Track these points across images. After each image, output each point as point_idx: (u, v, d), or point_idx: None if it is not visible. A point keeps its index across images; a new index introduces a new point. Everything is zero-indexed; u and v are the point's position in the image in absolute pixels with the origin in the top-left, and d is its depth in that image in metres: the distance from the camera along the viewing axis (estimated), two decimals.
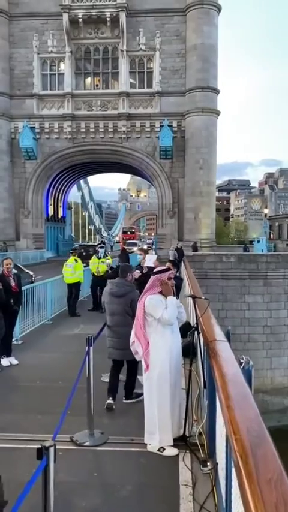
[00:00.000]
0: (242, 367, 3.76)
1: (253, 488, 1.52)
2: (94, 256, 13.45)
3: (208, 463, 3.75)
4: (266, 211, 66.19)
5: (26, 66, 32.19)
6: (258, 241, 40.54)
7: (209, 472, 3.67)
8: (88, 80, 33.24)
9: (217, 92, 31.13)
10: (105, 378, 6.54)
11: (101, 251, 13.57)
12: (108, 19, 30.72)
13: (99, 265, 12.81)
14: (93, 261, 13.12)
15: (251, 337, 19.63)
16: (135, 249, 15.17)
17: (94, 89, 32.99)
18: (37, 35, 31.86)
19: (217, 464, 3.45)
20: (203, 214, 30.71)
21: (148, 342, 4.30)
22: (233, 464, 2.23)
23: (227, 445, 2.70)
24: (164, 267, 5.00)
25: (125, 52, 31.56)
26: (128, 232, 75.03)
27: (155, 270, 4.90)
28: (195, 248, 27.09)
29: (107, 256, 13.60)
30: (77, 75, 32.75)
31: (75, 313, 12.00)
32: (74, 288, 12.18)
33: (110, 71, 32.56)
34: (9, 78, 32.00)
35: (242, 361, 4.16)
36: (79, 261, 12.41)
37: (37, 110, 32.29)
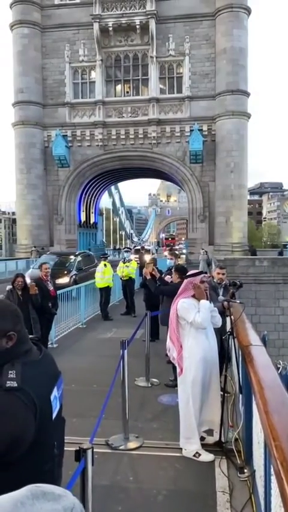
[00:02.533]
0: (279, 372, 3.69)
1: None
2: (121, 260, 13.61)
3: (245, 470, 3.69)
4: None
5: (58, 75, 32.88)
6: None
7: (246, 479, 3.60)
8: (118, 87, 33.61)
9: (247, 94, 30.78)
10: (140, 382, 6.57)
11: (126, 255, 13.72)
12: (138, 26, 31.01)
13: (123, 269, 12.91)
14: (120, 265, 13.23)
15: (285, 343, 19.17)
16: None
17: (124, 96, 33.30)
18: (69, 45, 32.52)
19: (254, 471, 3.39)
20: (234, 218, 30.33)
21: (181, 346, 4.28)
22: (272, 472, 2.18)
23: (265, 451, 2.65)
24: (197, 271, 4.97)
25: (154, 58, 31.74)
26: (170, 238, 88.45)
27: (188, 274, 4.88)
28: (253, 252, 26.71)
29: (131, 260, 13.66)
30: (107, 83, 33.19)
31: (108, 317, 12.11)
32: (104, 292, 12.30)
33: (140, 77, 32.80)
34: (42, 87, 32.77)
35: (279, 366, 4.07)
36: (108, 265, 12.53)
37: (69, 118, 32.88)
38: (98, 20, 31.05)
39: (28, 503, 0.78)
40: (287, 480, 1.66)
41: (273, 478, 2.20)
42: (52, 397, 1.61)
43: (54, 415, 1.62)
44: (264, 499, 2.72)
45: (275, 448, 1.92)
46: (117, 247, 67.24)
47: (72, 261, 17.29)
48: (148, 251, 32.54)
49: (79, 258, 17.71)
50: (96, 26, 31.11)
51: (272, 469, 2.17)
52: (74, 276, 15.74)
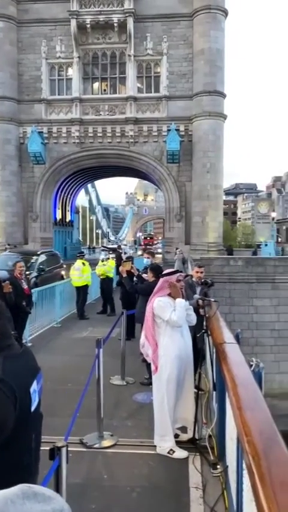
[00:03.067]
0: (252, 369, 3.76)
1: (267, 491, 1.52)
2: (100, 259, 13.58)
3: (218, 466, 3.74)
4: (273, 214, 65.78)
5: (34, 71, 32.43)
6: (266, 245, 40.31)
7: (219, 474, 3.66)
8: (96, 84, 33.41)
9: (224, 96, 31.13)
10: (115, 380, 6.57)
11: (103, 254, 13.78)
12: (115, 24, 30.90)
13: (101, 267, 12.92)
14: (99, 263, 13.22)
15: (258, 341, 19.53)
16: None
17: (102, 93, 33.13)
18: (45, 41, 32.12)
19: (227, 467, 3.45)
20: (210, 217, 30.65)
21: (157, 344, 4.31)
22: (244, 467, 2.23)
23: (237, 447, 2.70)
24: (173, 269, 5.01)
25: (132, 57, 31.70)
26: (148, 238, 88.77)
27: (164, 272, 4.91)
28: (230, 251, 26.86)
29: (109, 259, 13.67)
30: (84, 80, 32.95)
31: (84, 316, 12.04)
32: (81, 291, 12.22)
33: (117, 75, 32.70)
34: (18, 83, 32.23)
35: (252, 363, 4.15)
36: (86, 264, 12.47)
37: (45, 115, 32.50)
38: (75, 17, 30.77)
39: (18, 503, 0.79)
40: (258, 474, 1.69)
41: (245, 473, 2.25)
42: (31, 390, 1.66)
43: (33, 408, 1.66)
44: (236, 494, 2.78)
45: (247, 443, 1.96)
46: (92, 246, 66.99)
47: (33, 261, 15.42)
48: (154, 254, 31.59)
49: (42, 258, 16.08)
50: (73, 23, 30.84)
51: (244, 464, 2.21)
52: (34, 279, 13.88)
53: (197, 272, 6.04)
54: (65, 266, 17.83)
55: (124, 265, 8.24)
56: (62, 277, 15.96)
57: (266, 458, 1.74)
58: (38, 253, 17.10)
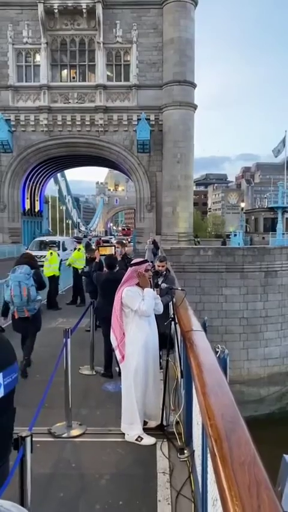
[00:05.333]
0: (217, 356, 3.83)
1: (227, 471, 1.55)
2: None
3: (185, 451, 3.82)
4: (242, 205, 66.80)
5: (0, 57, 31.53)
6: (235, 235, 41.01)
7: (186, 459, 3.73)
8: (64, 72, 32.80)
9: (194, 86, 31.19)
10: (84, 370, 6.56)
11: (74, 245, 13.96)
12: (84, 10, 30.33)
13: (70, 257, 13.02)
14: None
15: (228, 329, 19.91)
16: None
17: (71, 81, 32.57)
18: (12, 25, 31.21)
19: (194, 451, 3.52)
20: (180, 208, 30.84)
21: (124, 333, 4.33)
22: (208, 450, 2.28)
23: (203, 432, 2.75)
24: (142, 259, 5.02)
25: (101, 44, 31.26)
26: (126, 229, 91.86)
27: (132, 262, 4.92)
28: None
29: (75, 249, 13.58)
30: (53, 67, 32.28)
31: (54, 307, 11.93)
32: (52, 282, 12.10)
33: (86, 63, 32.20)
34: None
35: (217, 350, 4.24)
36: (54, 254, 12.34)
37: (12, 102, 31.70)
38: (42, 1, 29.99)
39: None
40: (219, 455, 1.73)
41: (209, 456, 2.30)
42: None
43: None
44: (201, 476, 2.84)
45: (210, 426, 1.99)
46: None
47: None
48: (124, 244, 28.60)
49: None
50: (40, 7, 30.07)
51: (208, 447, 2.26)
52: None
53: (159, 266, 6.31)
54: None
55: (102, 250, 8.29)
56: None
57: (228, 440, 1.78)
58: None
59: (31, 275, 6.41)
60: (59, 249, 15.07)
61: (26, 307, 6.38)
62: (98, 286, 6.79)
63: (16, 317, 6.53)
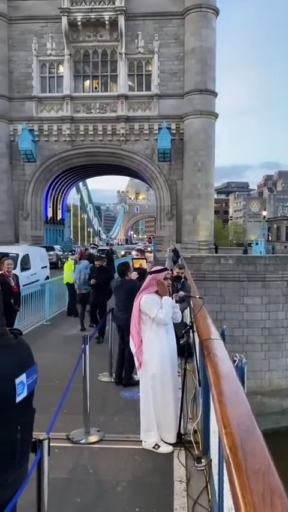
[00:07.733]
0: (235, 365, 3.81)
1: (241, 479, 1.56)
2: None
3: (202, 460, 3.79)
4: (264, 213, 66.25)
5: (25, 68, 32.26)
6: (257, 243, 40.60)
7: (203, 468, 3.71)
8: (87, 82, 33.32)
9: (215, 94, 31.22)
10: (103, 377, 6.59)
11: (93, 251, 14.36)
12: (107, 22, 30.84)
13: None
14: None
15: (249, 339, 19.65)
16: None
17: (93, 91, 33.06)
18: (36, 38, 31.95)
19: (211, 460, 3.50)
20: (201, 216, 30.73)
21: (141, 340, 4.35)
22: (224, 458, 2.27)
23: (219, 440, 2.74)
24: (161, 267, 5.04)
25: (123, 55, 31.67)
26: (151, 237, 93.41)
27: (151, 270, 4.94)
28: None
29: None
30: (75, 78, 32.84)
31: (73, 314, 12.00)
32: (70, 289, 12.21)
33: (108, 73, 32.65)
34: (8, 80, 32.06)
35: (235, 359, 4.21)
36: (71, 261, 12.45)
37: (36, 113, 32.35)
38: (66, 14, 30.65)
39: None
40: (234, 464, 1.73)
41: (225, 465, 2.29)
42: (17, 381, 1.69)
43: (18, 399, 1.68)
44: (218, 486, 2.83)
45: (225, 435, 2.00)
46: (83, 244, 66.78)
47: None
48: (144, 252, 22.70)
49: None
50: (64, 20, 30.71)
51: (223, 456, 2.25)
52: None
53: (178, 272, 6.36)
54: None
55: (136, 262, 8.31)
56: None
57: (242, 449, 1.78)
58: None
59: (89, 267, 9.83)
60: (14, 267, 9.50)
61: (83, 286, 9.88)
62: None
63: (77, 292, 10.36)
